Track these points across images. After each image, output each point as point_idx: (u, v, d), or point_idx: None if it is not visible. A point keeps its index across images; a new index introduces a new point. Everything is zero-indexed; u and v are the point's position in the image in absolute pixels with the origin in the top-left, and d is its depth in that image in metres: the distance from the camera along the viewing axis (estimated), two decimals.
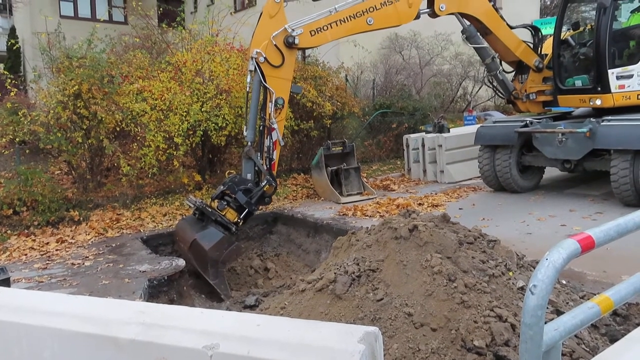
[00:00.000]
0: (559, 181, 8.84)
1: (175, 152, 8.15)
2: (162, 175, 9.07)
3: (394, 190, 9.01)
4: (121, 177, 8.17)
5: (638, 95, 6.87)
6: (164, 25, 10.94)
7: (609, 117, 6.75)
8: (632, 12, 7.32)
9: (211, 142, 8.73)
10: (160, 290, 5.38)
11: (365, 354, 1.41)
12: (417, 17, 7.09)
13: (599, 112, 7.28)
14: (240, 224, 6.26)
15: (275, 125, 6.21)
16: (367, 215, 7.15)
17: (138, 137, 8.02)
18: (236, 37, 10.05)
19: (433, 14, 7.31)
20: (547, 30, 9.77)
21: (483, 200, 7.87)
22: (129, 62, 9.36)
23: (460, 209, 7.30)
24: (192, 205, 6.32)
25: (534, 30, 8.35)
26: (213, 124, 8.26)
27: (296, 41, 6.22)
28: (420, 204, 7.60)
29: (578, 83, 7.44)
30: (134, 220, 7.69)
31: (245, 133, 6.35)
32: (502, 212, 6.94)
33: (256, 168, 6.28)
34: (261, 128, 6.31)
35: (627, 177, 6.39)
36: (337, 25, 6.47)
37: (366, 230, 4.10)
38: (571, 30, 7.90)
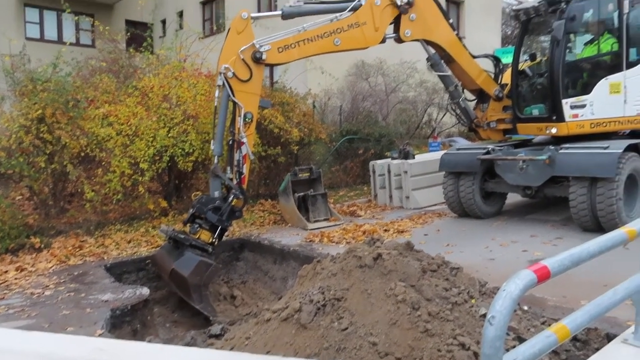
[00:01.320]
0: (521, 207, 9.09)
1: (140, 178, 8.03)
2: (127, 201, 8.89)
3: (360, 216, 9.08)
4: (85, 203, 7.97)
5: (591, 124, 7.18)
6: (131, 50, 10.88)
7: (567, 145, 7.03)
8: (586, 44, 7.69)
9: (178, 167, 8.65)
10: (124, 320, 5.22)
11: None
12: (383, 41, 7.28)
13: (558, 140, 7.57)
14: (216, 242, 6.26)
15: (244, 139, 6.28)
16: (334, 242, 7.17)
17: (103, 163, 7.88)
18: (204, 62, 10.08)
19: (399, 39, 7.50)
20: (508, 59, 10.17)
21: (447, 226, 8.01)
22: (95, 86, 9.25)
23: (425, 234, 7.41)
24: (165, 235, 6.29)
25: (495, 59, 8.66)
26: (180, 150, 8.20)
27: (264, 57, 6.31)
28: (386, 230, 7.67)
29: (535, 112, 7.74)
30: (97, 247, 7.49)
31: (212, 147, 6.39)
32: (466, 238, 7.08)
33: (223, 185, 6.30)
34: (230, 142, 6.38)
35: (584, 202, 6.63)
36: (304, 43, 6.60)
37: (331, 258, 4.12)
38: (529, 61, 8.24)
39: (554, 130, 7.37)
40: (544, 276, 2.06)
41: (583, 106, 7.13)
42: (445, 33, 7.79)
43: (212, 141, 6.54)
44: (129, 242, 7.83)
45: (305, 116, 10.70)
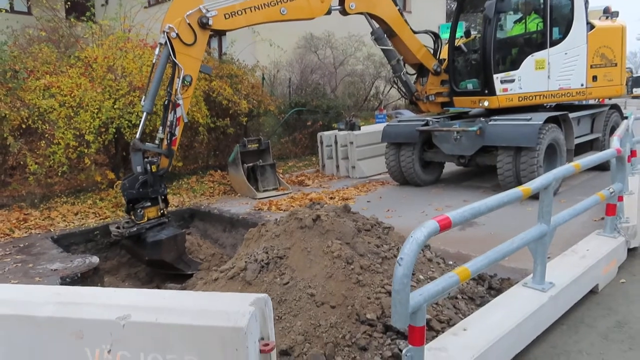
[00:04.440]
0: (457, 175, 9.68)
1: (86, 150, 8.00)
2: (73, 173, 8.83)
3: (308, 186, 9.42)
4: (28, 176, 7.88)
5: (519, 97, 7.74)
6: (72, 19, 10.56)
7: (496, 117, 7.56)
8: (514, 23, 8.19)
9: (124, 139, 8.64)
10: None
11: (255, 315, 1.73)
12: (329, 12, 7.45)
13: (490, 113, 8.10)
14: (165, 210, 6.43)
15: (180, 102, 6.22)
16: (282, 210, 7.47)
17: (46, 135, 7.78)
18: (150, 33, 9.96)
19: (343, 12, 7.72)
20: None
21: (389, 194, 8.47)
22: (34, 56, 9.00)
23: (368, 201, 7.84)
24: (120, 236, 6.28)
25: (434, 35, 9.03)
26: (126, 122, 8.20)
27: (210, 22, 6.30)
28: (332, 198, 8.04)
29: (470, 86, 8.23)
30: (43, 220, 7.48)
31: (142, 103, 6.24)
32: (405, 204, 7.55)
33: (146, 158, 6.24)
34: (166, 103, 6.32)
35: (510, 170, 7.21)
36: (251, 11, 6.65)
37: (275, 221, 4.42)
38: (464, 38, 8.68)
39: (486, 104, 7.89)
40: (446, 225, 2.44)
41: (512, 81, 7.66)
42: (388, 8, 8.09)
43: (143, 97, 6.34)
44: (76, 214, 7.85)
45: (253, 88, 10.83)
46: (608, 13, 9.38)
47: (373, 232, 4.15)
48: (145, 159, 6.21)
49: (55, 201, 8.38)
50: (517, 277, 4.42)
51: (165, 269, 6.48)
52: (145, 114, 6.21)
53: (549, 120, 7.23)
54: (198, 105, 9.01)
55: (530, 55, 7.65)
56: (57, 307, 1.85)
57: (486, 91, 7.78)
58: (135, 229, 6.15)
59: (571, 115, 7.91)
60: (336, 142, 10.35)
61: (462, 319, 3.58)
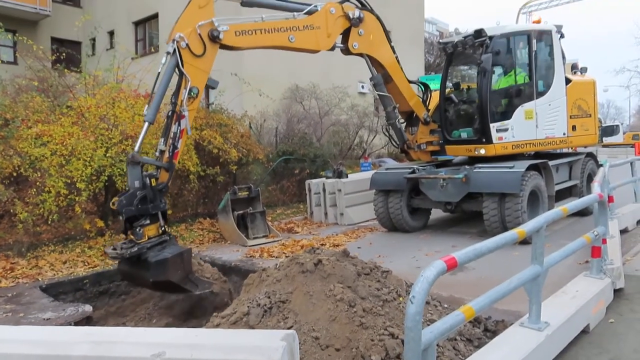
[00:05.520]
0: (444, 221, 9.90)
1: (77, 198, 8.01)
2: (61, 221, 8.78)
3: (298, 233, 9.51)
4: (16, 223, 7.82)
5: (512, 145, 8.16)
6: (64, 69, 10.77)
7: (480, 165, 7.87)
8: (505, 75, 8.62)
9: (115, 187, 8.68)
10: None
11: (286, 349, 1.83)
12: (332, 49, 7.76)
13: (473, 161, 8.43)
14: (165, 227, 6.04)
15: (186, 113, 6.06)
16: (274, 256, 7.53)
17: (37, 183, 7.80)
18: (141, 83, 10.20)
19: (346, 50, 8.07)
20: (432, 85, 11.04)
21: (379, 240, 8.62)
22: (25, 105, 9.12)
23: (358, 247, 7.95)
24: (118, 257, 5.85)
25: (424, 86, 9.38)
26: (118, 170, 8.28)
27: (221, 36, 6.33)
28: (322, 245, 8.12)
29: (464, 135, 8.54)
30: (30, 269, 7.38)
31: (145, 112, 5.97)
32: (395, 250, 7.69)
33: (144, 172, 5.88)
34: (170, 113, 6.12)
35: (496, 215, 7.46)
36: (262, 33, 6.79)
37: (275, 266, 4.50)
38: (452, 89, 9.07)
39: (482, 151, 8.21)
40: (452, 265, 2.60)
41: (506, 130, 8.08)
42: (387, 54, 8.51)
43: (145, 107, 6.06)
44: (65, 262, 7.77)
45: (242, 137, 11.06)
46: (576, 69, 10.06)
47: (372, 276, 4.26)
48: (145, 173, 5.87)
49: (43, 250, 8.30)
50: (511, 319, 4.54)
51: (171, 291, 6.10)
52: (147, 124, 5.93)
53: (530, 168, 7.56)
54: (189, 154, 9.15)
55: (520, 106, 8.13)
56: (92, 346, 1.91)
57: (484, 139, 8.10)
58: (135, 248, 5.66)
59: (550, 163, 8.29)
60: (324, 190, 10.54)
61: (462, 359, 3.68)
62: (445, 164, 9.24)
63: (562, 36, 8.81)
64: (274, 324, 3.79)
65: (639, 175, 9.23)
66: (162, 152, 6.10)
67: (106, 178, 8.28)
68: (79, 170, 7.92)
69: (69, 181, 7.94)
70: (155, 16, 20.30)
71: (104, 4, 23.22)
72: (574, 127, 8.96)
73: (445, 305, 4.82)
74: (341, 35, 8.00)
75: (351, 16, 7.82)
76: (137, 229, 5.73)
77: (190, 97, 6.12)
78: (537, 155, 8.99)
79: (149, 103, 6.03)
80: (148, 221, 5.82)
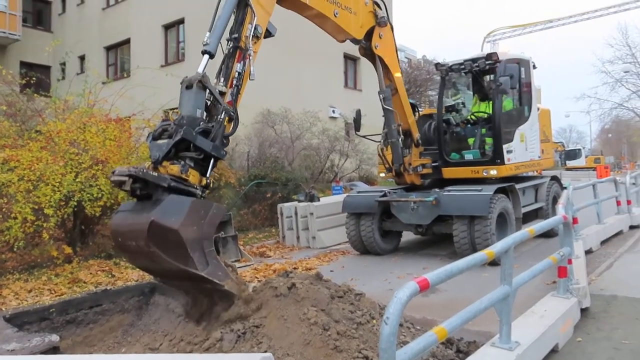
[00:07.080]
0: (415, 243, 10.04)
1: (45, 224, 7.82)
2: (28, 248, 8.54)
3: (270, 257, 9.48)
4: None
5: (515, 167, 8.48)
6: (34, 93, 10.63)
7: (449, 188, 8.06)
8: (506, 99, 8.77)
9: (84, 213, 8.52)
10: None
11: None
12: (356, 42, 7.82)
13: (442, 184, 8.61)
14: (210, 183, 4.75)
15: (251, 52, 5.20)
16: (246, 281, 7.47)
17: (3, 209, 7.59)
18: (113, 108, 10.13)
19: (368, 49, 8.11)
20: None
21: (351, 263, 8.66)
22: None
23: (331, 271, 7.97)
24: (124, 177, 4.01)
25: (413, 107, 9.27)
26: (88, 195, 8.14)
27: None
28: (295, 268, 8.10)
29: (469, 157, 8.65)
30: None
31: (206, 40, 4.94)
32: (367, 273, 7.74)
33: (208, 100, 4.74)
34: (231, 50, 5.14)
35: (465, 238, 7.62)
36: None
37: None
38: (456, 109, 9.25)
39: (493, 172, 8.37)
40: (425, 286, 2.66)
41: (511, 151, 8.40)
42: (396, 65, 8.64)
43: (207, 34, 4.99)
44: (30, 291, 7.51)
45: None
46: None
47: (346, 299, 4.30)
48: (224, 106, 4.77)
49: (7, 278, 8.01)
50: (482, 340, 4.61)
51: (170, 260, 4.00)
52: (206, 57, 4.88)
53: (498, 191, 7.79)
54: None
55: (517, 129, 8.51)
56: None
57: (498, 160, 8.29)
58: (155, 174, 4.13)
59: (517, 186, 8.56)
60: (296, 214, 10.57)
61: None
62: (416, 188, 9.38)
63: (534, 66, 9.25)
64: (247, 349, 3.77)
65: (601, 197, 9.58)
66: (222, 94, 4.98)
67: (75, 203, 8.13)
68: (47, 195, 7.76)
69: (36, 207, 7.77)
70: (127, 41, 20.26)
71: (75, 29, 23.07)
72: (543, 151, 9.41)
73: (418, 327, 4.87)
74: (367, 34, 8.02)
75: (378, 15, 7.94)
76: (183, 161, 4.38)
77: (255, 36, 5.33)
78: (504, 179, 9.24)
79: (211, 29, 5.02)
80: (193, 163, 4.45)
